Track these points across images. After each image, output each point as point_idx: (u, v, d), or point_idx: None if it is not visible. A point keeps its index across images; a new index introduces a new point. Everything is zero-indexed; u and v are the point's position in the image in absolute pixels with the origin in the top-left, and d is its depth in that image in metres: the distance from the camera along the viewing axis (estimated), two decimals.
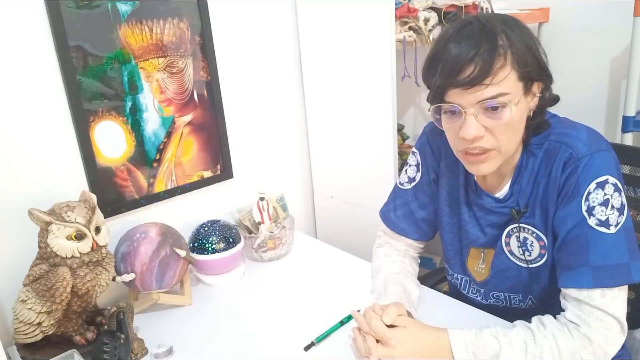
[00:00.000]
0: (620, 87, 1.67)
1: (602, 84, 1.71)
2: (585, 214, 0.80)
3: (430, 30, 1.42)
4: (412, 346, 0.84)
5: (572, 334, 0.79)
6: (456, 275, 1.07)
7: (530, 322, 0.85)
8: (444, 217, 1.06)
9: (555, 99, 0.89)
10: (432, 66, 0.83)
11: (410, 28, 1.39)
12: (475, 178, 0.98)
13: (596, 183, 0.80)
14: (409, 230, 1.11)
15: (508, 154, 0.85)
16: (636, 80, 1.50)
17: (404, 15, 1.37)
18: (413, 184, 1.09)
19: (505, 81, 0.77)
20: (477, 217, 0.98)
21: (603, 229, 0.79)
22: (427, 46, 1.44)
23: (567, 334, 0.79)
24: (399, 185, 1.12)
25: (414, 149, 1.10)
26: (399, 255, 1.12)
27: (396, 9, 1.31)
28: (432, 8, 1.43)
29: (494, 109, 0.78)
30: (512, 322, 0.88)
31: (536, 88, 0.84)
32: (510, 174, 0.92)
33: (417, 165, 1.09)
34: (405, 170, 1.11)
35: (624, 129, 1.55)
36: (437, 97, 0.83)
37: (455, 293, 1.12)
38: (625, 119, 1.54)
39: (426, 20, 1.40)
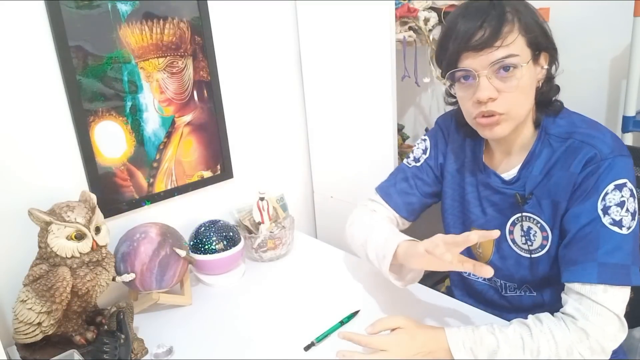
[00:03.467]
0: (620, 87, 1.67)
1: (602, 84, 1.71)
2: (600, 212, 0.81)
3: (430, 30, 1.42)
4: (408, 346, 0.84)
5: (569, 328, 0.79)
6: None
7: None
8: (447, 199, 1.07)
9: (557, 89, 0.93)
10: (444, 42, 0.87)
11: (410, 28, 1.39)
12: (484, 158, 0.99)
13: (615, 185, 0.81)
14: (401, 205, 1.11)
15: (519, 118, 0.88)
16: (636, 80, 1.50)
17: (404, 15, 1.37)
18: (417, 164, 1.11)
19: (514, 44, 0.82)
20: (480, 197, 1.00)
21: (616, 229, 0.80)
22: (427, 46, 1.45)
23: (564, 328, 0.79)
24: (404, 163, 1.14)
25: (424, 136, 1.12)
26: (385, 221, 1.09)
27: (396, 9, 1.31)
28: (432, 8, 1.43)
29: (506, 69, 0.83)
30: (507, 315, 0.89)
31: (543, 60, 0.88)
32: (520, 157, 0.93)
33: (424, 150, 1.10)
34: (412, 151, 1.13)
35: (624, 129, 1.55)
36: (451, 64, 0.87)
37: (457, 281, 1.13)
38: (625, 119, 1.54)
39: (426, 20, 1.40)
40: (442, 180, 1.09)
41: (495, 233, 0.78)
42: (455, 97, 0.98)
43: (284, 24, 1.47)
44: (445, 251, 0.80)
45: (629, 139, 1.57)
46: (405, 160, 1.14)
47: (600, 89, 1.71)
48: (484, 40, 0.81)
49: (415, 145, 1.13)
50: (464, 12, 0.85)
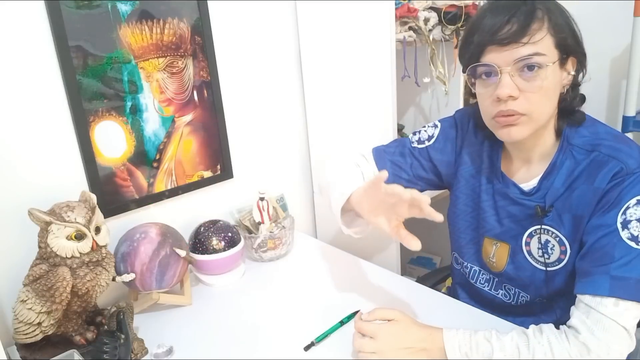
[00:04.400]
0: (620, 87, 1.67)
1: (602, 84, 1.71)
2: (619, 225, 0.79)
3: (430, 30, 1.42)
4: (399, 338, 0.85)
5: (570, 341, 0.77)
6: (466, 264, 1.07)
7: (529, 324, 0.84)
8: (459, 204, 1.05)
9: (583, 99, 0.91)
10: (469, 36, 0.85)
11: (410, 28, 1.39)
12: (502, 167, 0.97)
13: (637, 199, 0.79)
14: (389, 175, 1.06)
15: (539, 122, 0.84)
16: (636, 80, 1.50)
17: (404, 15, 1.37)
18: (419, 146, 1.09)
19: (542, 43, 0.79)
20: (497, 207, 0.97)
21: (632, 244, 0.78)
22: (427, 46, 1.45)
23: (564, 340, 0.77)
24: (408, 139, 1.11)
25: (437, 122, 1.09)
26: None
27: (396, 9, 1.31)
28: (432, 8, 1.43)
29: (530, 69, 0.80)
30: (513, 319, 0.88)
31: (570, 65, 0.85)
32: (540, 166, 0.91)
33: (430, 137, 1.08)
34: (419, 131, 1.10)
35: (624, 129, 1.55)
36: (473, 57, 0.84)
37: (462, 283, 1.12)
38: (625, 119, 1.55)
39: (426, 20, 1.40)
40: (455, 184, 1.06)
41: (439, 218, 0.77)
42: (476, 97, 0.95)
43: (284, 24, 1.47)
44: (408, 193, 0.78)
45: None
46: (410, 136, 1.11)
47: (600, 89, 1.71)
48: (510, 35, 0.78)
49: (424, 127, 1.10)
50: (492, 7, 0.82)
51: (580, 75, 0.88)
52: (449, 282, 1.29)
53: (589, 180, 0.84)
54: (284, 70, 1.51)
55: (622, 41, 1.62)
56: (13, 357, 0.96)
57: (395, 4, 1.28)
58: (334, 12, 1.34)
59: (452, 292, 1.16)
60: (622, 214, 0.79)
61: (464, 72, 0.89)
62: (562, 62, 0.83)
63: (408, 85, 1.55)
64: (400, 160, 1.09)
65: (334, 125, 1.49)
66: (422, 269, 1.96)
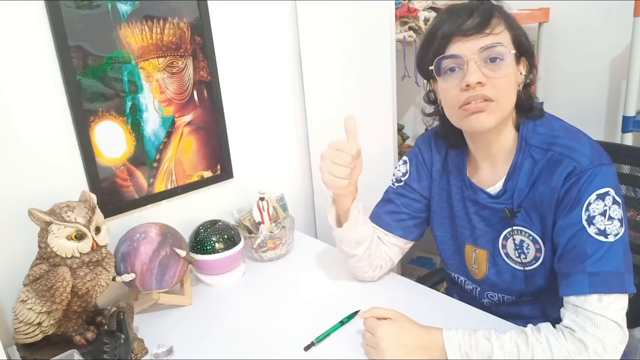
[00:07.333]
0: (620, 87, 1.67)
1: (602, 84, 1.71)
2: (585, 223, 0.81)
3: None
4: (395, 335, 0.85)
5: (567, 339, 0.78)
6: (453, 274, 1.09)
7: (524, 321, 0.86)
8: (437, 218, 1.07)
9: (534, 98, 0.94)
10: (430, 37, 0.89)
11: (410, 28, 1.39)
12: (468, 174, 0.99)
13: (597, 194, 0.81)
14: (392, 224, 1.11)
15: (505, 110, 0.87)
16: (636, 80, 1.50)
17: (404, 15, 1.37)
18: (400, 184, 1.12)
19: (502, 35, 0.85)
20: (468, 213, 1.00)
21: (601, 238, 0.80)
22: None
23: (562, 338, 0.78)
24: (390, 185, 1.14)
25: (405, 157, 1.13)
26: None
27: (396, 9, 1.31)
28: (432, 8, 1.43)
29: (493, 60, 0.84)
30: (504, 318, 0.90)
31: (522, 65, 0.90)
32: (504, 168, 0.93)
33: (404, 173, 1.11)
34: (394, 174, 1.14)
35: (624, 129, 1.55)
36: (439, 50, 0.87)
37: (453, 289, 1.14)
38: (625, 119, 1.54)
39: (426, 20, 1.40)
40: (430, 201, 1.09)
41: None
42: (434, 103, 0.99)
43: (284, 24, 1.47)
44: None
45: (629, 139, 1.57)
46: (390, 182, 1.14)
47: (600, 89, 1.71)
48: (474, 26, 0.83)
49: (396, 167, 1.14)
50: (450, 10, 0.88)
51: (530, 76, 0.93)
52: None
53: (547, 180, 0.86)
54: (284, 70, 1.51)
55: (622, 41, 1.62)
56: (13, 357, 0.96)
57: (395, 4, 1.28)
58: (334, 12, 1.34)
59: (449, 294, 1.17)
60: (585, 211, 0.81)
61: (425, 77, 0.94)
62: (517, 60, 0.88)
63: (408, 85, 1.55)
64: (392, 207, 1.11)
65: (334, 125, 1.49)
66: (422, 269, 1.96)
